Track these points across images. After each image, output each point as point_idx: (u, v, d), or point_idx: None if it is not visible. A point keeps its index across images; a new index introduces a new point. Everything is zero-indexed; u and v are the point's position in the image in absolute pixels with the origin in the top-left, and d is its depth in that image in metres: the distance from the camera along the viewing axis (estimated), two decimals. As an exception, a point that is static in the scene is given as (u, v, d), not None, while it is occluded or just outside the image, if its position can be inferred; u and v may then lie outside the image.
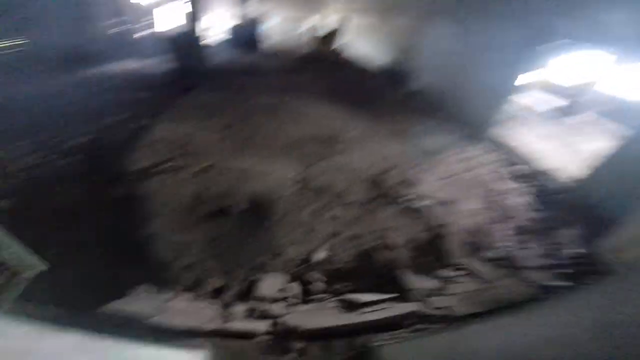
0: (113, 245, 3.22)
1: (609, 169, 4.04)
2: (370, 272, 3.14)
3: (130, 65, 9.40)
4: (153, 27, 13.61)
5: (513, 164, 4.94)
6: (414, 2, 8.96)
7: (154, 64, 9.29)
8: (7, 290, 1.42)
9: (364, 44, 13.28)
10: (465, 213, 3.71)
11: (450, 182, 4.14)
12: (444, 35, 7.31)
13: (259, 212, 3.39)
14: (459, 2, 6.69)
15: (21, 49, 9.03)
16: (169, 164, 3.91)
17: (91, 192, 3.80)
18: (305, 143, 4.51)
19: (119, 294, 2.71)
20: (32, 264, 1.61)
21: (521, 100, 5.86)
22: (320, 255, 3.16)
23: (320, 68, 9.66)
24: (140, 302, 2.64)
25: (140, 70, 8.62)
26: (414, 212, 3.59)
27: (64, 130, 5.00)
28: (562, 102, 7.75)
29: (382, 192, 3.71)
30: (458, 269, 3.23)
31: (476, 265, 3.29)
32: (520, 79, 5.57)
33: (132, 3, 12.88)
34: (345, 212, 3.53)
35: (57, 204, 3.68)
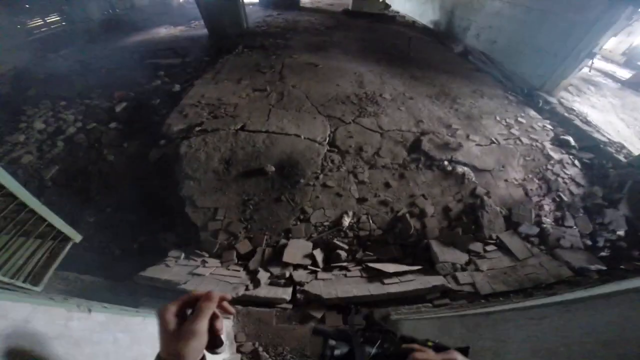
0: (146, 210, 3.25)
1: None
2: (397, 241, 3.04)
3: (169, 31, 9.06)
4: None
5: (564, 133, 4.46)
6: None
7: (192, 28, 9.09)
8: (49, 265, 1.37)
9: (407, 1, 12.07)
10: (505, 183, 3.45)
11: (492, 148, 3.77)
12: None
13: (287, 175, 3.21)
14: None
15: (57, 25, 8.85)
16: (201, 127, 3.69)
17: (127, 157, 3.72)
18: (338, 103, 4.15)
19: (151, 261, 2.72)
20: (70, 234, 1.54)
21: (586, 67, 5.14)
22: (346, 221, 3.04)
23: (361, 25, 8.93)
24: (171, 270, 2.66)
25: (178, 35, 8.37)
26: (449, 179, 3.34)
27: (102, 96, 4.90)
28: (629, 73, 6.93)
29: (417, 156, 3.42)
30: (490, 244, 3.10)
31: (510, 240, 3.14)
32: (588, 45, 4.80)
33: None
34: (376, 176, 3.31)
35: (94, 170, 3.64)
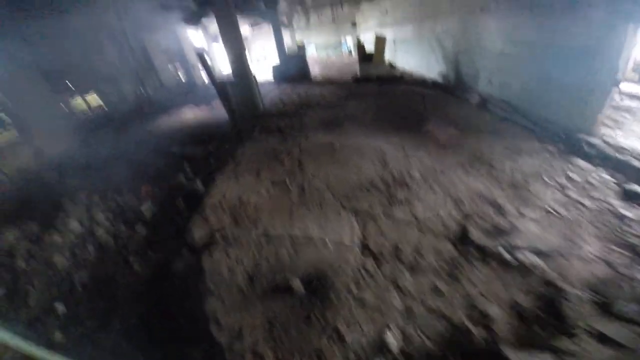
0: (164, 327, 3.02)
1: None
2: (461, 354, 2.51)
3: (193, 111, 9.86)
4: (213, 71, 15.33)
5: (627, 181, 3.95)
6: (456, 2, 8.37)
7: (214, 108, 9.69)
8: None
9: (411, 57, 12.83)
10: (580, 260, 2.92)
11: (553, 221, 3.30)
12: (503, 29, 6.47)
13: (315, 289, 2.91)
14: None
15: (97, 105, 9.94)
16: (223, 234, 3.64)
17: (152, 266, 3.66)
18: (363, 192, 3.92)
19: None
20: None
21: (619, 92, 4.87)
22: (391, 338, 2.59)
23: (371, 91, 9.38)
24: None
25: (201, 117, 9.04)
26: (510, 270, 2.87)
27: (131, 192, 5.22)
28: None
29: (466, 249, 3.03)
30: (581, 336, 2.49)
31: (607, 327, 2.52)
32: (610, 70, 4.53)
33: (196, 47, 14.00)
34: (420, 280, 2.92)
35: (121, 278, 3.62)
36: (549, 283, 2.72)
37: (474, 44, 7.57)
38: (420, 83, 10.04)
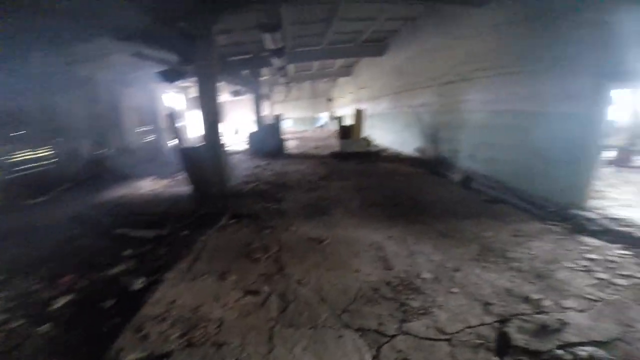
0: None
1: None
2: None
3: (153, 184, 8.91)
4: (182, 135, 14.76)
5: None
6: (433, 73, 9.33)
7: (177, 181, 8.75)
8: None
9: (387, 132, 13.57)
10: None
11: (600, 309, 2.90)
12: (486, 100, 6.90)
13: None
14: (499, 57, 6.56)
15: (47, 162, 8.56)
16: None
17: None
18: (368, 304, 3.33)
19: None
20: None
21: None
22: None
23: (352, 169, 9.45)
24: None
25: (159, 193, 8.09)
26: None
27: (49, 277, 4.19)
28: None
29: (513, 357, 2.45)
30: None
31: None
32: (595, 138, 4.92)
33: (167, 108, 12.88)
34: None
35: None
36: None
37: (455, 117, 8.02)
38: (400, 160, 10.37)
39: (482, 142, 7.15)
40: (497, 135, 6.62)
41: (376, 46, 13.24)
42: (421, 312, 3.10)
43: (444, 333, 2.77)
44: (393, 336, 2.80)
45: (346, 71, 20.74)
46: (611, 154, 8.35)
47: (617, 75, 4.57)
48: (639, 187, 6.41)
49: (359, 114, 11.63)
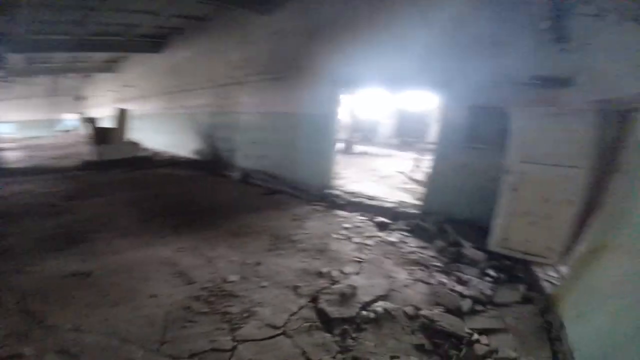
0: None
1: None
2: None
3: None
4: None
5: (373, 217, 5.50)
6: (212, 74, 8.71)
7: None
8: None
9: (161, 135, 11.63)
10: (408, 288, 3.42)
11: (366, 267, 3.85)
12: (256, 103, 7.34)
13: None
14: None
15: None
16: None
17: None
18: (182, 326, 2.74)
19: None
20: None
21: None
22: None
23: (118, 180, 7.45)
24: None
25: None
26: (384, 323, 2.93)
27: None
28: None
29: (337, 329, 2.84)
30: None
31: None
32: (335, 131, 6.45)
33: None
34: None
35: None
36: (418, 317, 3.05)
37: (231, 119, 8.14)
38: (177, 163, 9.43)
39: (254, 141, 7.84)
40: (266, 134, 7.49)
41: (154, 43, 11.64)
42: (245, 315, 2.97)
43: (277, 327, 2.78)
44: (233, 349, 2.51)
45: (107, 67, 16.88)
46: (340, 144, 11.53)
47: (344, 83, 6.27)
48: (358, 167, 9.25)
49: (123, 115, 10.10)
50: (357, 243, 4.57)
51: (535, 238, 4.01)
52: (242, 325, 2.81)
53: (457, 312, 3.13)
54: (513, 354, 2.54)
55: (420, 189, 7.36)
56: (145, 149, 11.37)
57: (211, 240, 4.55)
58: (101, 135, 9.69)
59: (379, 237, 4.81)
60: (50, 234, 4.60)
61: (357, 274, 3.76)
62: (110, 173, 8.10)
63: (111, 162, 8.59)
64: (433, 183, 5.45)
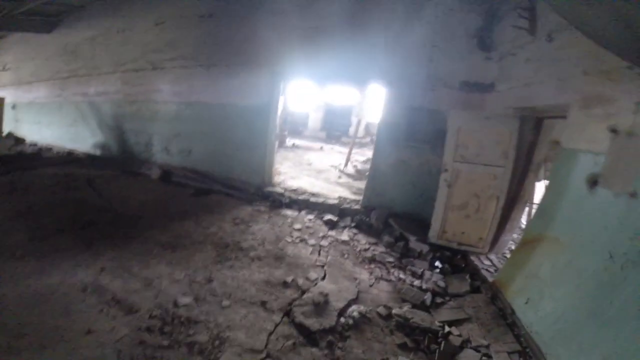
0: None
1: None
2: None
3: None
4: None
5: (312, 211, 5.61)
6: (120, 57, 7.32)
7: None
8: None
9: (48, 127, 9.62)
10: (374, 288, 3.62)
11: (328, 270, 3.87)
12: (178, 92, 6.55)
13: None
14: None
15: None
16: None
17: None
18: None
19: None
20: None
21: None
22: None
23: None
24: None
25: None
26: (368, 325, 2.97)
27: None
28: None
29: (320, 340, 2.77)
30: None
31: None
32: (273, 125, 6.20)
33: None
34: None
35: None
36: (392, 316, 3.20)
37: (144, 108, 7.05)
38: (74, 161, 7.72)
39: (176, 134, 6.88)
40: (193, 126, 6.64)
41: (45, 21, 9.22)
42: (217, 343, 2.63)
43: (259, 351, 2.52)
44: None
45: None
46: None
47: (284, 74, 6.05)
48: (293, 161, 9.11)
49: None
50: (312, 245, 4.52)
51: (469, 230, 4.63)
52: (218, 356, 2.52)
53: (422, 306, 3.43)
54: (484, 342, 2.92)
55: (355, 183, 7.78)
56: (30, 145, 9.24)
57: (141, 256, 3.85)
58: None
59: (331, 236, 4.87)
60: None
61: (323, 279, 3.73)
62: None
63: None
64: (373, 179, 5.75)
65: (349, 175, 8.76)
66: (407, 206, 5.49)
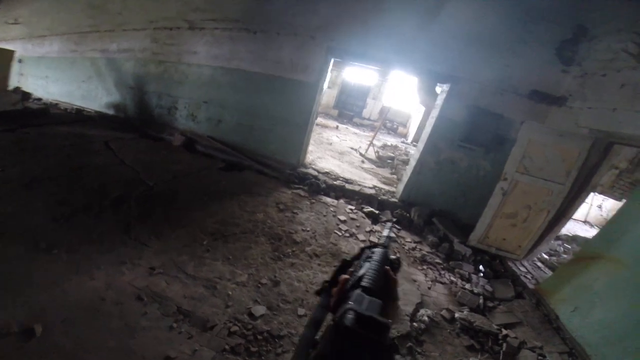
0: None
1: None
2: None
3: None
4: None
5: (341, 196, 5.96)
6: (153, 14, 7.08)
7: None
8: None
9: (56, 83, 9.29)
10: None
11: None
12: (218, 55, 6.42)
13: None
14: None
15: None
16: None
17: None
18: None
19: None
20: None
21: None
22: None
23: (6, 142, 5.55)
24: None
25: None
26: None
27: None
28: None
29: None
30: None
31: None
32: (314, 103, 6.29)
33: None
34: None
35: None
36: (455, 320, 3.70)
37: (173, 70, 6.94)
38: (87, 120, 7.54)
39: (206, 101, 6.77)
40: (225, 94, 6.55)
41: None
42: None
43: None
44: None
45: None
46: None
47: (338, 52, 6.00)
48: (314, 139, 9.19)
49: (6, 57, 8.67)
50: (363, 241, 4.91)
51: (511, 237, 5.14)
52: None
53: (478, 310, 3.94)
54: (537, 343, 3.51)
55: (380, 171, 8.13)
56: (34, 100, 8.88)
57: (191, 249, 3.74)
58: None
59: (377, 231, 5.29)
60: None
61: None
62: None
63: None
64: (418, 174, 6.06)
65: (371, 160, 9.08)
66: (447, 205, 5.92)
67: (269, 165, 6.46)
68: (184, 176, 5.61)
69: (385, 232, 1.11)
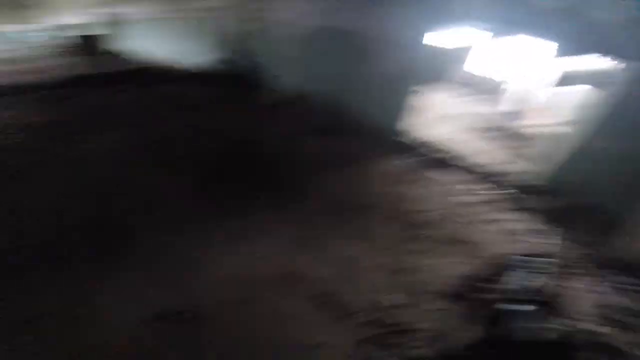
0: None
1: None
2: None
3: None
4: None
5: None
6: None
7: None
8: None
9: (157, 42, 9.77)
10: None
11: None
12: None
13: None
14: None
15: None
16: None
17: None
18: None
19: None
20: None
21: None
22: None
23: (121, 100, 6.06)
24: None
25: None
26: None
27: None
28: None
29: None
30: None
31: None
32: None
33: None
34: None
35: None
36: None
37: (271, 27, 6.81)
38: (187, 77, 7.85)
39: (304, 59, 6.44)
40: (326, 53, 6.09)
41: None
42: None
43: None
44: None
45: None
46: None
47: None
48: (424, 103, 8.25)
49: (113, 20, 9.17)
50: (502, 232, 4.12)
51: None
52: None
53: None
54: None
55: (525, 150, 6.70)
56: (142, 62, 9.61)
57: (319, 223, 3.75)
58: (89, 45, 9.08)
59: (514, 220, 4.40)
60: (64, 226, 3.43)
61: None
62: (104, 92, 6.51)
63: (101, 77, 7.31)
64: (579, 156, 4.81)
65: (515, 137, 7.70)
66: (608, 200, 4.63)
67: (367, 131, 5.90)
68: (288, 140, 5.51)
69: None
